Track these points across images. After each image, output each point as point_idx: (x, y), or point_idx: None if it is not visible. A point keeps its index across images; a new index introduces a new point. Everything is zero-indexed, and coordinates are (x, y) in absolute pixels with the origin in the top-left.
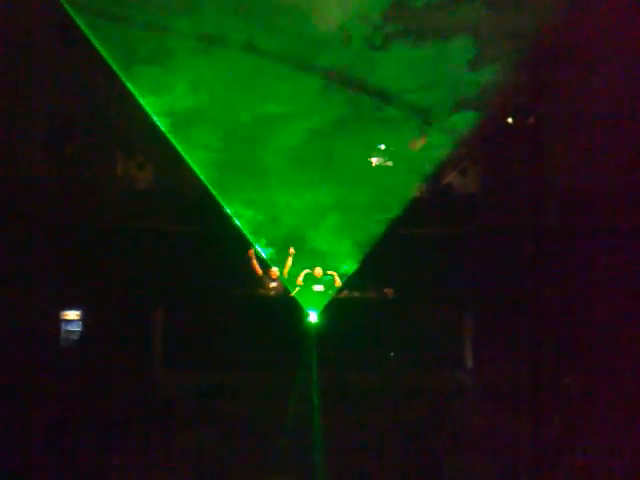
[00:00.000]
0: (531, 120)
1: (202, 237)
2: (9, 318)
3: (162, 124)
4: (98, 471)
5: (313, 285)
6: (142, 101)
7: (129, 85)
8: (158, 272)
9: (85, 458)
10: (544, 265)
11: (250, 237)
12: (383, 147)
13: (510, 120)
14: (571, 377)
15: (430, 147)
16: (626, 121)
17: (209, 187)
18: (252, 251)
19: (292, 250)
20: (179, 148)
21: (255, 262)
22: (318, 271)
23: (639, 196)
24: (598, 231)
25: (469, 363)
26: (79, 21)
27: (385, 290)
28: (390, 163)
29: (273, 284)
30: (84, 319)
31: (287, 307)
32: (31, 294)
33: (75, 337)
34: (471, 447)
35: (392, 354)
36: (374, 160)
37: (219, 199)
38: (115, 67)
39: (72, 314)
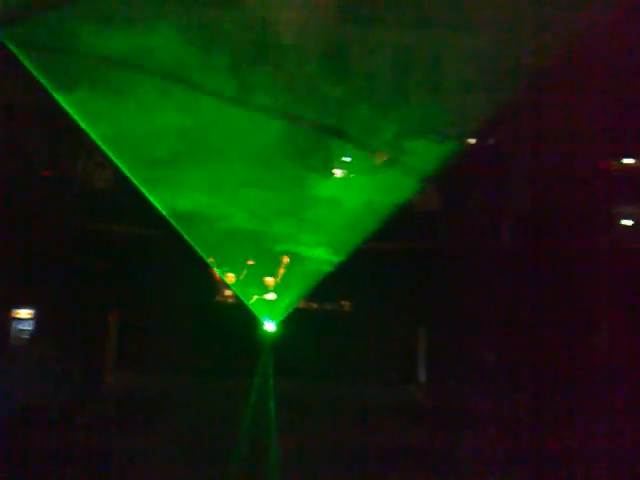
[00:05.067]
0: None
1: (157, 240)
2: None
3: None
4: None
5: (265, 294)
6: None
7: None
8: (114, 274)
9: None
10: (499, 284)
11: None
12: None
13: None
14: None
15: (394, 163)
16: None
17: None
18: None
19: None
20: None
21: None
22: (269, 280)
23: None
24: (556, 252)
25: (422, 378)
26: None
27: (342, 303)
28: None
29: (229, 291)
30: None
31: (244, 315)
32: None
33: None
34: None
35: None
36: (338, 172)
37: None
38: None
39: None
